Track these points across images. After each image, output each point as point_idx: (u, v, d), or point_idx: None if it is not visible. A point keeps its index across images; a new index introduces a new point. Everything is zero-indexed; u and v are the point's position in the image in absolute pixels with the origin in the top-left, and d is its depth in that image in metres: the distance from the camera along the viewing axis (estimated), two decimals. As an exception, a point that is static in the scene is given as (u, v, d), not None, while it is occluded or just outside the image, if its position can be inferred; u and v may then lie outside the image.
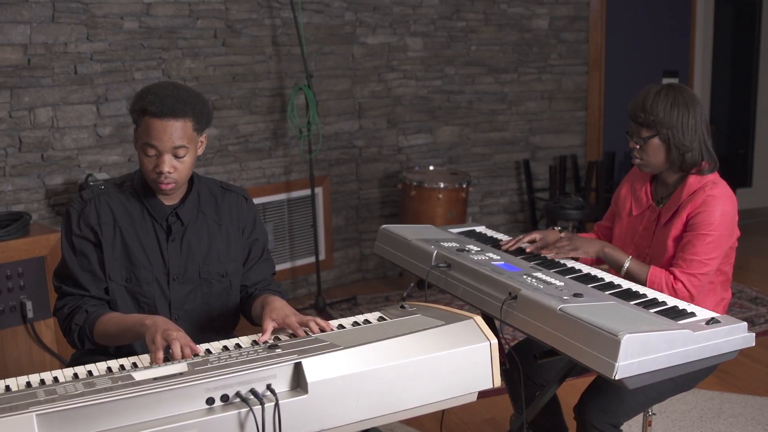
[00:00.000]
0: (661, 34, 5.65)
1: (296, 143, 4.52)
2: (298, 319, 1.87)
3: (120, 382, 1.52)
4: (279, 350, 1.66)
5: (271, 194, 4.50)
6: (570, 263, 2.36)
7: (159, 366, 1.64)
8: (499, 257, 2.33)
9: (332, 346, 1.65)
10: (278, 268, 4.49)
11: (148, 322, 1.83)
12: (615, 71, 5.55)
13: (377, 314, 1.94)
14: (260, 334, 1.85)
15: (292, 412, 1.54)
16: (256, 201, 4.34)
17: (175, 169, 1.98)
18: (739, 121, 6.42)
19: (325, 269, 4.76)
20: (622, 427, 2.24)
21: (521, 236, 2.53)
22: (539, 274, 2.14)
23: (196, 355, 1.71)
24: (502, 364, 2.13)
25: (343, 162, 4.79)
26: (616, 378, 1.70)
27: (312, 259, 4.66)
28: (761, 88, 6.31)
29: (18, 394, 1.50)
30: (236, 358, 1.62)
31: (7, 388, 1.60)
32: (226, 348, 1.81)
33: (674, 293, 2.22)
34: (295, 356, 1.59)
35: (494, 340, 1.76)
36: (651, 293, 2.12)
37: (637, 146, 2.35)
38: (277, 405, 1.51)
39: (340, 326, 1.89)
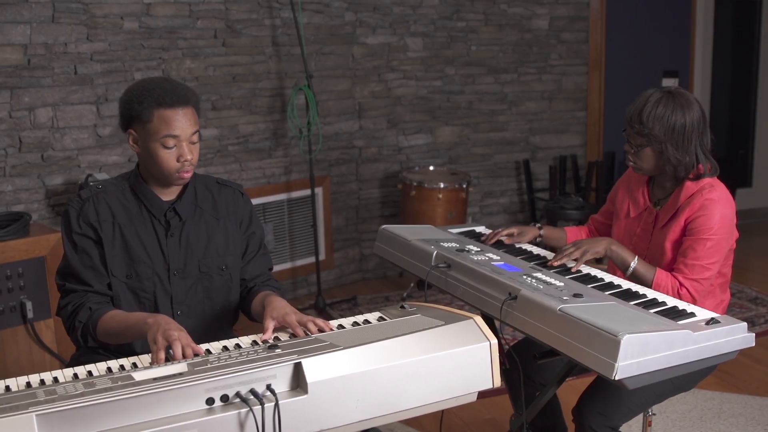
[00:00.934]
0: (661, 34, 5.64)
1: (296, 143, 4.52)
2: (297, 317, 1.88)
3: (120, 383, 1.52)
4: (279, 350, 1.66)
5: (271, 194, 4.50)
6: (570, 263, 2.35)
7: (159, 366, 1.64)
8: (498, 257, 2.32)
9: (332, 346, 1.65)
10: (278, 268, 4.49)
11: (150, 321, 1.84)
12: (615, 71, 5.54)
13: (377, 314, 1.95)
14: (260, 334, 1.86)
15: (292, 412, 1.54)
16: (256, 201, 4.34)
17: (192, 155, 2.04)
18: (739, 121, 6.42)
19: (325, 269, 4.76)
20: (621, 429, 2.23)
21: (500, 230, 2.53)
22: (539, 275, 2.14)
23: (196, 355, 1.72)
24: (502, 364, 2.13)
25: (343, 162, 4.79)
26: (616, 378, 1.70)
27: (312, 260, 4.66)
28: (761, 88, 6.30)
29: (18, 395, 1.50)
30: (236, 359, 1.62)
31: (7, 388, 1.60)
32: (226, 348, 1.81)
33: (679, 298, 2.20)
34: (294, 356, 1.59)
35: (494, 340, 1.76)
36: (651, 293, 2.12)
37: (632, 150, 2.34)
38: (277, 405, 1.51)
39: (340, 326, 1.89)
